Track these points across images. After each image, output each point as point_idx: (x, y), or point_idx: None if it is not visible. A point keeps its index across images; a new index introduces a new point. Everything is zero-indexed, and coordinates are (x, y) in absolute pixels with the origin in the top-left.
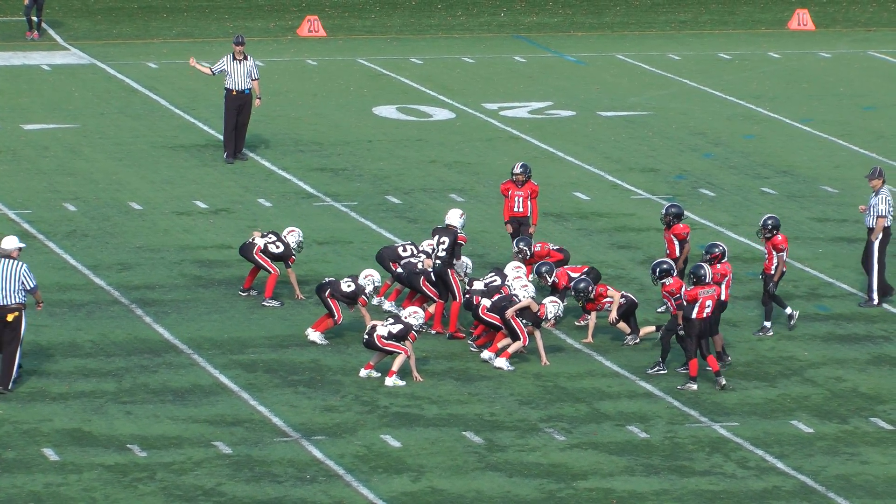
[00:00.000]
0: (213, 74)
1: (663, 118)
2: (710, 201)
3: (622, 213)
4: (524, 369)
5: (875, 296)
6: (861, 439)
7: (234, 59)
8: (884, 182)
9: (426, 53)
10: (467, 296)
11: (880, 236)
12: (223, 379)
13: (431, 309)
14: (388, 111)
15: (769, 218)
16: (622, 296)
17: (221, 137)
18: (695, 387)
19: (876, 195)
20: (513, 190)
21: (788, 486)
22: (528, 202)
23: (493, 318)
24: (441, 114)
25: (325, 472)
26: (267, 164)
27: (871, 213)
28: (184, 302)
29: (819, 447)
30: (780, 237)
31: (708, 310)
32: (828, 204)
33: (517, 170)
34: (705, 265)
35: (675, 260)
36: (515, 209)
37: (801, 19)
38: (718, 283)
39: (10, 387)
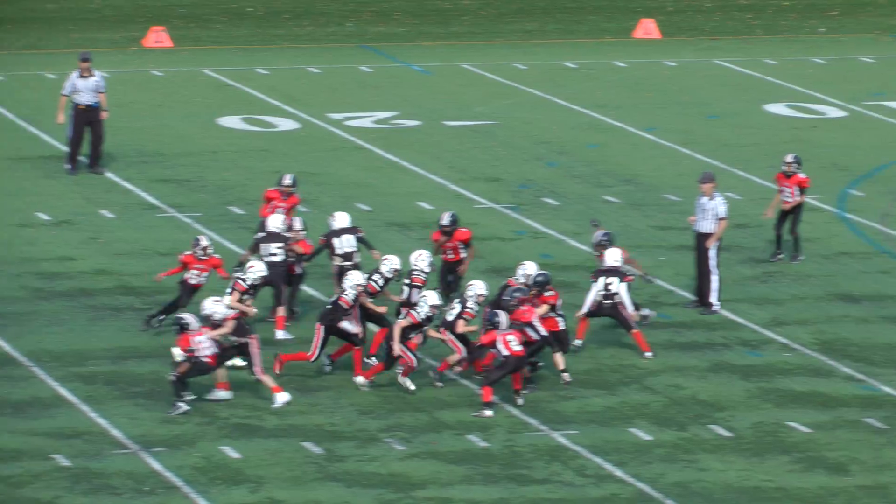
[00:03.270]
0: (68, 96)
1: (508, 127)
2: (553, 210)
3: (465, 223)
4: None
5: (717, 302)
6: (699, 446)
7: (81, 75)
8: (715, 186)
9: (272, 64)
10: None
11: (718, 242)
12: (62, 391)
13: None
14: (232, 122)
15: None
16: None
17: (65, 149)
18: (490, 413)
19: (710, 199)
20: (277, 201)
21: (627, 493)
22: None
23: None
24: (286, 124)
25: (163, 484)
26: (110, 175)
27: (709, 217)
28: (24, 314)
29: (657, 454)
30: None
31: (514, 345)
32: (670, 212)
33: (287, 181)
34: (501, 313)
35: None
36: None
37: (647, 28)
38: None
39: None
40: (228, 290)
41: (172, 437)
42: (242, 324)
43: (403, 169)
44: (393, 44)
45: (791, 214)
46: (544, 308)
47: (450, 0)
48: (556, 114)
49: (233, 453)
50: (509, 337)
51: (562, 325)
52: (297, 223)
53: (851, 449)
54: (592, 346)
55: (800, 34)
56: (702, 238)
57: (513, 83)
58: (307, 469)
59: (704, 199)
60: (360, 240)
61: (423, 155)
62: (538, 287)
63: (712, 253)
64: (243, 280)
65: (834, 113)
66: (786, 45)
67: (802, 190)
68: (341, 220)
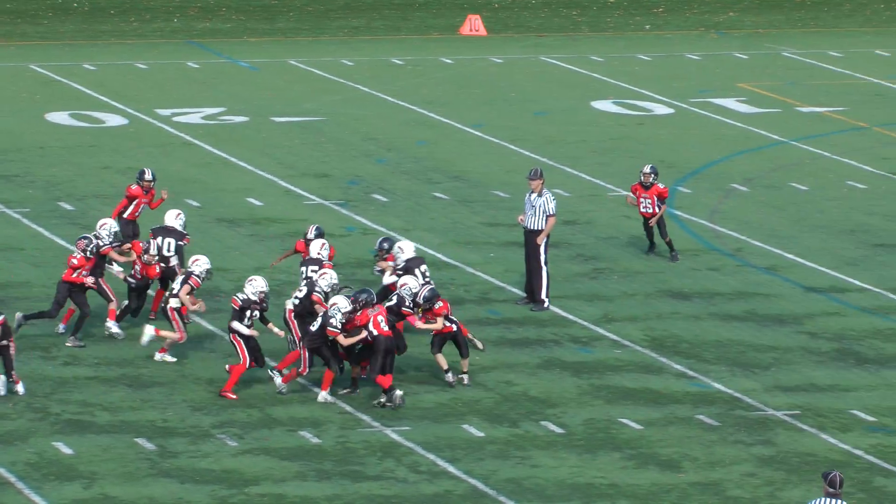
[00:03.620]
0: None
1: (337, 123)
2: (382, 206)
3: (295, 219)
4: (197, 375)
5: (546, 298)
6: (531, 443)
7: None
8: (544, 182)
9: (99, 59)
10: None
11: (547, 238)
12: None
13: None
14: (60, 117)
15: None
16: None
17: None
18: (399, 393)
19: (539, 196)
20: (140, 198)
21: (460, 489)
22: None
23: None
24: (114, 120)
25: None
26: None
27: (538, 214)
28: None
29: (490, 451)
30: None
31: (383, 325)
32: (499, 209)
33: (148, 177)
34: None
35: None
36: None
37: (474, 25)
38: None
39: None
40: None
41: (5, 433)
42: (7, 326)
43: (232, 165)
44: (219, 40)
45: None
46: (440, 321)
47: None
48: (384, 110)
49: (65, 449)
50: (379, 317)
51: (455, 329)
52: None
53: (683, 445)
54: (425, 343)
55: (626, 31)
56: (531, 235)
57: (340, 79)
58: (140, 465)
59: (533, 196)
60: (179, 248)
61: (252, 151)
62: (428, 303)
63: (542, 249)
64: (198, 276)
65: (660, 110)
66: (612, 42)
67: (662, 200)
68: (170, 218)
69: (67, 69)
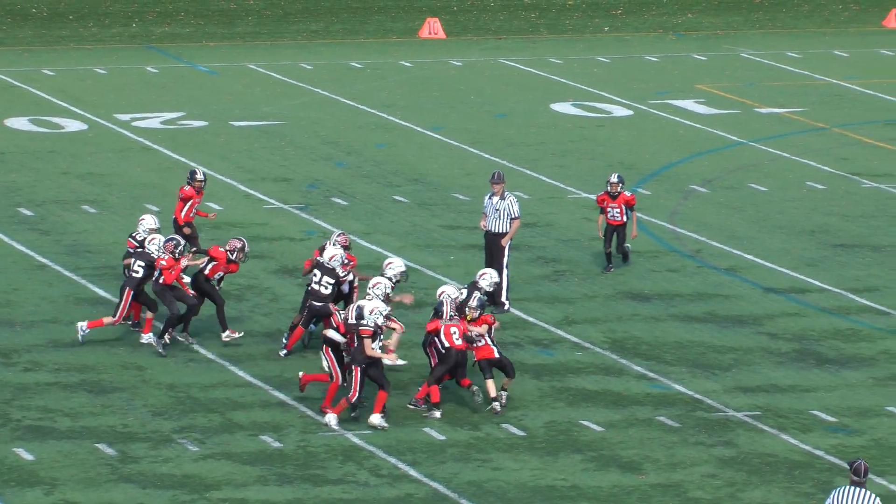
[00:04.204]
0: None
1: (296, 127)
2: (342, 210)
3: (255, 223)
4: (158, 380)
5: (507, 301)
6: (493, 445)
7: None
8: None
9: (58, 65)
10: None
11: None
12: None
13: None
14: (20, 123)
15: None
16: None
17: None
18: (438, 414)
19: (503, 199)
20: (195, 199)
21: (421, 493)
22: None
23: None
24: (73, 125)
25: None
26: None
27: (502, 217)
28: None
29: (451, 454)
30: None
31: (456, 339)
32: (459, 211)
33: (200, 176)
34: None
35: None
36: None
37: (432, 28)
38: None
39: None
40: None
41: None
42: None
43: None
44: (178, 44)
45: (617, 232)
46: (483, 328)
47: (234, 0)
48: (343, 114)
49: (26, 455)
50: (452, 329)
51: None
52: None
53: (644, 447)
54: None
55: (584, 33)
56: (494, 238)
57: (299, 83)
58: (101, 470)
59: (496, 199)
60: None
61: (211, 155)
62: (481, 308)
63: (506, 251)
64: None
65: (620, 112)
66: (571, 44)
67: (630, 207)
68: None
69: (26, 74)
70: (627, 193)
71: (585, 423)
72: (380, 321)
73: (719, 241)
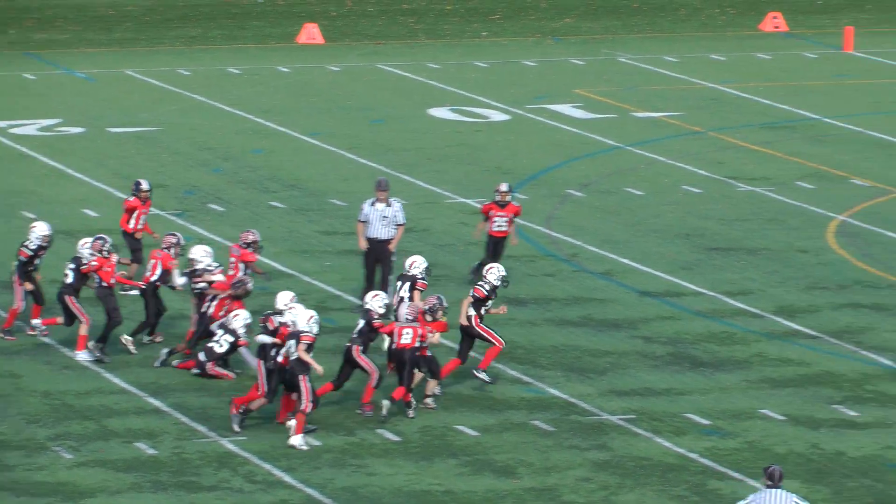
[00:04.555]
0: None
1: (173, 133)
2: (219, 216)
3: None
4: (32, 388)
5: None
6: (367, 451)
7: None
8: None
9: None
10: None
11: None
12: None
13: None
14: None
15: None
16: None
17: None
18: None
19: (389, 206)
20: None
21: (296, 499)
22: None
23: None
24: None
25: None
26: None
27: (388, 224)
28: None
29: (326, 460)
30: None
31: (405, 339)
32: (335, 217)
33: (145, 186)
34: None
35: None
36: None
37: (310, 33)
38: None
39: None
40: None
41: None
42: None
43: (68, 176)
44: (56, 51)
45: (500, 243)
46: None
47: (112, 6)
48: (221, 119)
49: None
50: (405, 330)
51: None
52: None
53: (519, 451)
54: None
55: (463, 38)
56: (382, 244)
57: (177, 89)
58: None
59: (382, 206)
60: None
61: (88, 162)
62: (433, 314)
63: (393, 258)
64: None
65: (497, 116)
66: (449, 49)
67: (516, 217)
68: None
69: None
70: (515, 203)
71: (460, 427)
72: (315, 329)
73: (595, 246)
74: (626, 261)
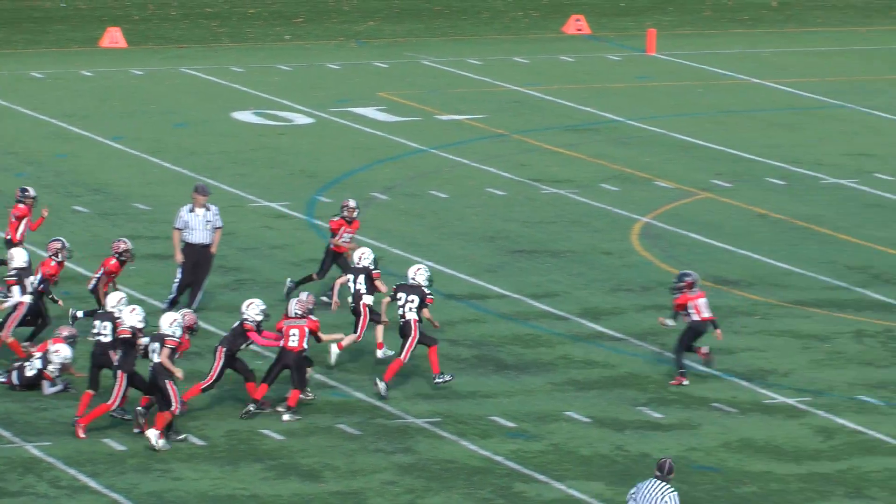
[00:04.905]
0: None
1: None
2: None
3: None
4: None
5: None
6: (173, 455)
7: None
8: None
9: None
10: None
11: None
12: None
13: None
14: None
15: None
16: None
17: None
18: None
19: (207, 210)
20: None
21: None
22: None
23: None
24: None
25: None
26: None
27: (207, 228)
28: None
29: (131, 465)
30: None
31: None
32: (139, 221)
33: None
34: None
35: None
36: None
37: (113, 37)
38: None
39: None
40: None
41: None
42: None
43: None
44: None
45: (341, 258)
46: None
47: None
48: (23, 124)
49: None
50: (292, 330)
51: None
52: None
53: (325, 455)
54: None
55: (266, 41)
56: (203, 249)
57: None
58: None
59: (202, 211)
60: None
61: None
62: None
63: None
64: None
65: (301, 120)
66: (252, 52)
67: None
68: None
69: None
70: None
71: (266, 431)
72: (178, 333)
73: (400, 249)
74: (430, 263)
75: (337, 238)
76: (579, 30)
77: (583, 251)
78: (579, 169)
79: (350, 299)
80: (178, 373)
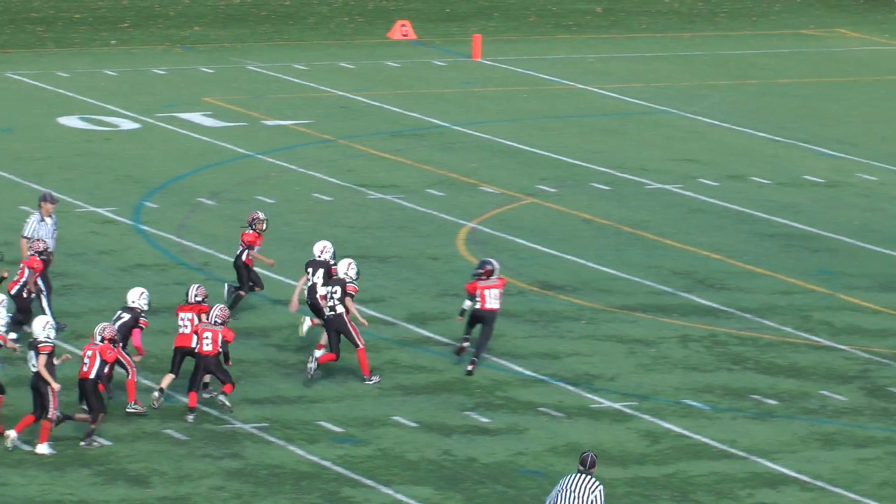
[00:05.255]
0: None
1: None
2: None
3: None
4: None
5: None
6: (0, 461)
7: None
8: None
9: None
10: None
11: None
12: None
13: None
14: None
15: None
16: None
17: None
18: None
19: (51, 217)
20: None
21: None
22: None
23: None
24: None
25: None
26: None
27: (56, 236)
28: None
29: None
30: None
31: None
32: None
33: None
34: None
35: None
36: None
37: None
38: None
39: None
40: None
41: None
42: None
43: None
44: None
45: (249, 268)
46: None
47: None
48: None
49: None
50: (206, 334)
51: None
52: None
53: (152, 460)
54: None
55: (92, 46)
56: (51, 255)
57: None
58: None
59: (50, 220)
60: None
61: None
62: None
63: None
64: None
65: (127, 125)
66: (78, 57)
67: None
68: None
69: None
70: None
71: (98, 438)
72: (53, 335)
73: (227, 254)
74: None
75: (254, 250)
76: (405, 35)
77: (409, 256)
78: (405, 174)
79: (306, 293)
80: (55, 385)
